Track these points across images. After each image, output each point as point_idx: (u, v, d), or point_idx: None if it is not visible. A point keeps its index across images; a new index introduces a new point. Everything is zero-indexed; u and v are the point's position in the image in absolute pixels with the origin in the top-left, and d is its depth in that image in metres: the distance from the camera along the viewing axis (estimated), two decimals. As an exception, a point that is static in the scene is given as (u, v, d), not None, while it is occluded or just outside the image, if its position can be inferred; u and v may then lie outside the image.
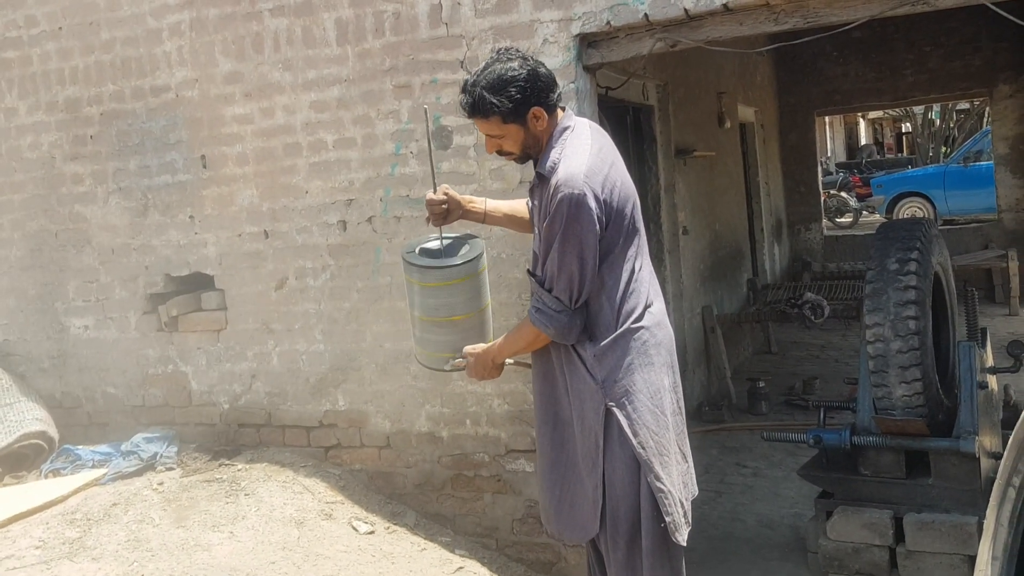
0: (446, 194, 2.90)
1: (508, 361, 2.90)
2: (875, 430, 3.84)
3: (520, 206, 3.07)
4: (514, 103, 2.60)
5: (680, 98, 6.79)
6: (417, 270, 2.90)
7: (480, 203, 3.01)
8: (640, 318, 2.66)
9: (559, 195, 2.54)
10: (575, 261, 2.56)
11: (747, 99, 9.40)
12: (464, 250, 2.94)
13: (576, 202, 2.52)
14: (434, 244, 2.96)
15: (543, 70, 2.67)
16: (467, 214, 2.97)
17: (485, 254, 2.97)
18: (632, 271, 2.66)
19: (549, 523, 2.84)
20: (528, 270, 2.75)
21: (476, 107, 2.64)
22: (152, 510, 3.67)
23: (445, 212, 2.90)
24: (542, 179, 2.66)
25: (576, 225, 2.54)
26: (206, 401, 4.39)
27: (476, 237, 3.03)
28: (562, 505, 2.76)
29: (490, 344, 2.88)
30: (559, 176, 2.57)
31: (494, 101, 2.60)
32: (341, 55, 3.96)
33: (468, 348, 2.87)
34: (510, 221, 3.07)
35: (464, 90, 2.67)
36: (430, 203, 2.89)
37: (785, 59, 11.04)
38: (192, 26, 4.23)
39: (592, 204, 2.53)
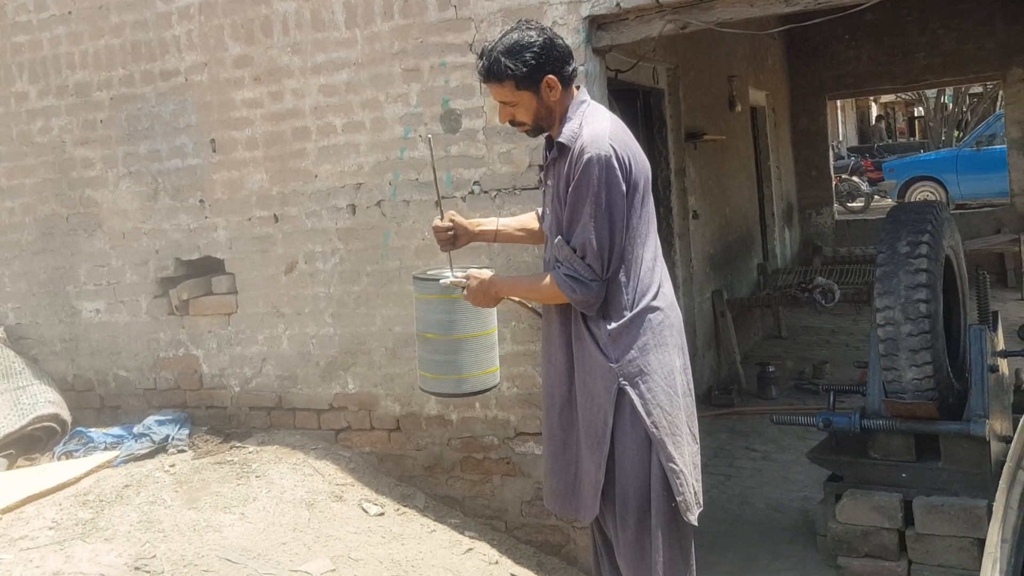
0: (452, 220, 2.92)
1: (512, 298, 2.89)
2: (885, 413, 3.84)
3: (529, 219, 3.08)
4: (529, 68, 2.61)
5: (691, 81, 6.76)
6: (419, 284, 2.93)
7: (490, 224, 3.02)
8: (655, 298, 2.66)
9: (586, 156, 2.53)
10: (605, 225, 2.54)
11: (758, 82, 9.35)
12: None
13: (604, 163, 2.52)
14: (448, 272, 2.94)
15: (559, 41, 2.69)
16: (476, 237, 2.99)
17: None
18: (645, 251, 2.66)
19: (561, 504, 2.84)
20: (560, 237, 2.67)
21: (491, 71, 2.65)
22: (164, 491, 3.70)
23: (452, 238, 2.92)
24: (562, 149, 2.65)
25: (604, 186, 2.53)
26: (217, 384, 4.41)
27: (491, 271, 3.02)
28: (576, 484, 2.77)
29: (499, 275, 2.86)
30: (584, 139, 2.57)
31: (509, 65, 2.61)
32: (350, 38, 3.95)
33: (473, 271, 2.84)
34: (521, 235, 3.08)
35: (481, 55, 2.69)
36: (437, 230, 2.91)
37: (797, 42, 10.97)
38: (201, 9, 4.22)
39: (617, 165, 2.53)
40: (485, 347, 2.94)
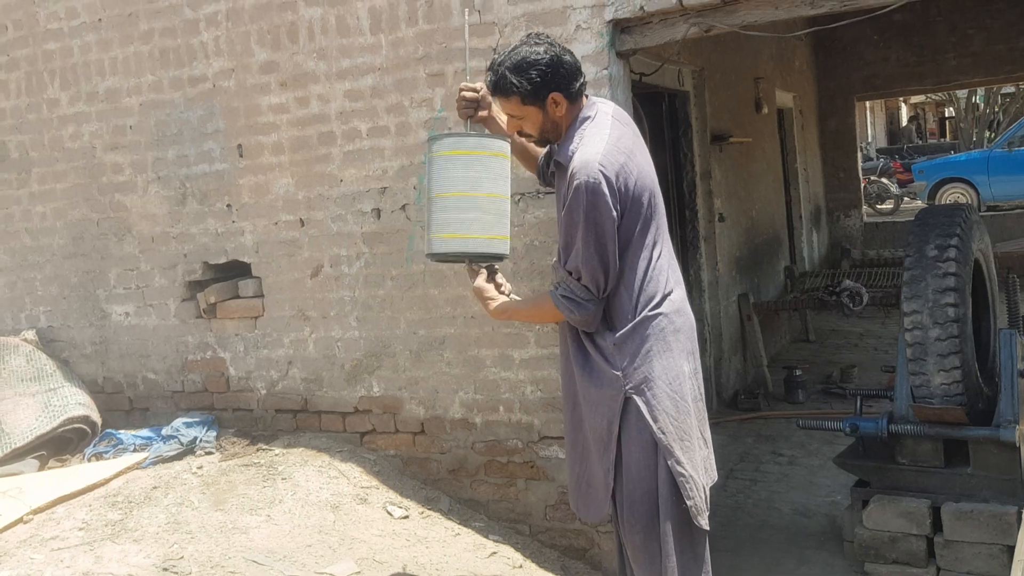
0: (481, 91, 2.88)
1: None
2: (913, 418, 3.80)
3: (535, 149, 3.05)
4: (534, 86, 2.65)
5: (716, 84, 6.73)
6: (436, 140, 2.82)
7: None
8: (658, 305, 2.67)
9: (575, 182, 2.57)
10: (597, 250, 2.58)
11: (785, 84, 9.28)
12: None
13: (592, 189, 2.55)
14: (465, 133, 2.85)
15: (568, 58, 2.71)
16: (493, 122, 2.94)
17: (509, 151, 2.84)
18: (650, 260, 2.67)
19: (571, 500, 2.92)
20: (556, 261, 2.74)
21: (498, 85, 2.71)
22: (192, 493, 3.74)
23: (476, 103, 2.87)
24: (560, 167, 2.71)
25: (594, 212, 2.56)
26: (244, 387, 4.45)
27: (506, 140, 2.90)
28: (580, 483, 2.83)
29: (502, 299, 2.85)
30: (575, 164, 2.60)
31: (515, 82, 2.66)
32: (375, 44, 3.97)
33: (481, 283, 2.83)
34: (523, 152, 3.07)
35: (490, 68, 2.74)
36: (465, 87, 2.86)
37: (824, 43, 10.88)
38: (228, 16, 4.27)
39: (607, 191, 2.55)
40: (492, 211, 2.76)
